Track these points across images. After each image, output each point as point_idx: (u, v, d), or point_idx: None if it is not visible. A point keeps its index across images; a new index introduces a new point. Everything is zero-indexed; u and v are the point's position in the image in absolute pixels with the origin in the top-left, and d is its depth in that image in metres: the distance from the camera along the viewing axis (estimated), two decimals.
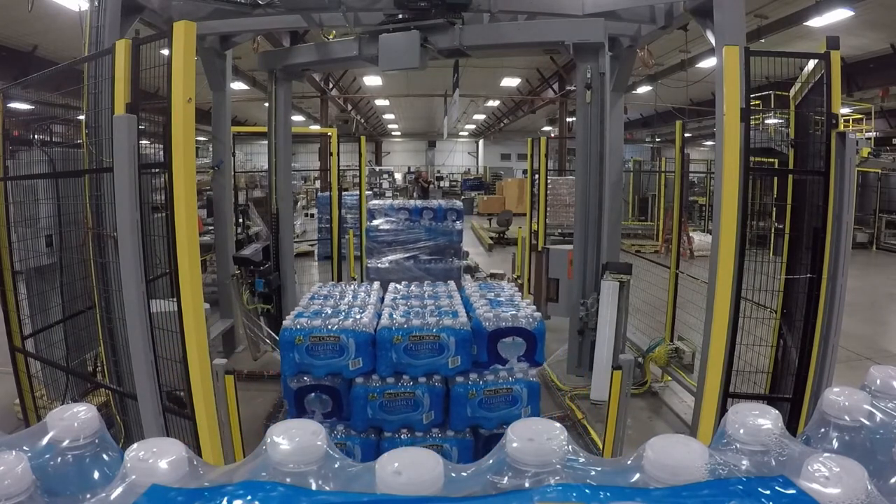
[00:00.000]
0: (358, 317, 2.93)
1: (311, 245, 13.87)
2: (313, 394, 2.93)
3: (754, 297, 3.13)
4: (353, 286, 3.76)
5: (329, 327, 2.83)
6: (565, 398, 5.34)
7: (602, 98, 5.30)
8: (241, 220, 8.82)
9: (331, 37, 6.19)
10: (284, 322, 3.05)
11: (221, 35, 6.15)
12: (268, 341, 5.84)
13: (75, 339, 4.79)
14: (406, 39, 5.06)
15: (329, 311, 3.05)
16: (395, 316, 2.98)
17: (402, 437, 2.90)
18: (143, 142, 2.89)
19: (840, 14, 11.22)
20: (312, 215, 16.79)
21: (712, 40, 4.14)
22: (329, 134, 9.35)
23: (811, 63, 3.55)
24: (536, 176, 8.86)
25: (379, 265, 5.18)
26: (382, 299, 3.45)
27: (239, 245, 6.93)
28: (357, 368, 2.84)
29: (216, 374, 2.90)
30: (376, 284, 3.87)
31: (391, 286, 3.79)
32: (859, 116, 16.63)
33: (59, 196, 4.90)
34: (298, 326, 2.89)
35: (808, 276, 2.76)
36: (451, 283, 4.02)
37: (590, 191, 5.52)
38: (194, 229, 2.33)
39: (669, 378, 5.65)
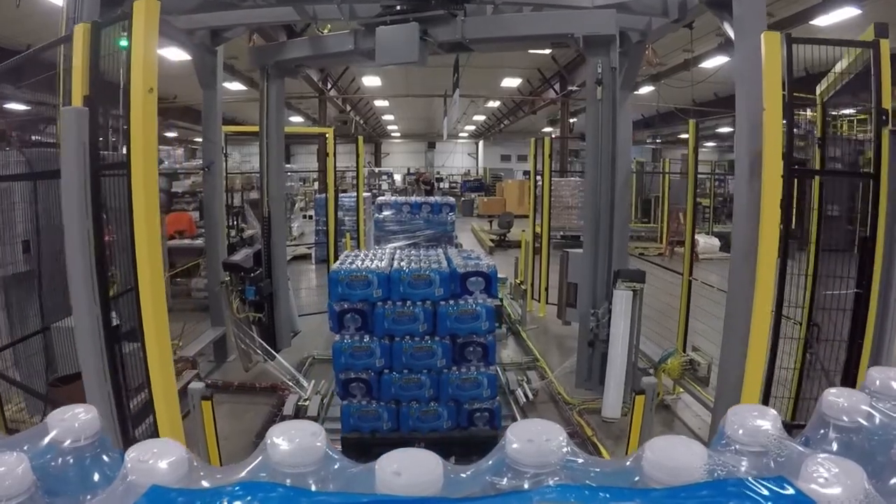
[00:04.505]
0: (379, 264, 4.42)
1: (309, 248, 13.58)
2: (349, 314, 4.25)
3: (788, 312, 2.85)
4: (372, 251, 5.11)
5: (362, 269, 4.25)
6: (573, 413, 5.06)
7: (613, 94, 5.03)
8: (234, 223, 8.53)
9: (325, 31, 5.92)
10: (333, 266, 4.46)
11: (212, 29, 5.88)
12: (259, 352, 5.55)
13: (53, 353, 4.53)
14: (404, 32, 4.81)
15: (360, 262, 4.49)
16: (402, 264, 4.46)
17: (406, 340, 4.26)
18: (114, 139, 2.61)
19: (847, 12, 10.91)
20: (310, 217, 16.45)
21: (731, 33, 3.88)
22: (326, 134, 9.06)
23: (843, 59, 3.28)
24: (539, 177, 8.59)
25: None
26: (394, 257, 4.81)
27: (232, 249, 6.65)
28: (378, 296, 4.22)
29: (192, 399, 2.62)
30: (388, 248, 5.35)
31: (398, 251, 5.22)
32: None
33: (38, 199, 4.65)
34: (342, 269, 4.28)
35: (856, 290, 2.48)
36: (439, 248, 5.45)
37: (601, 193, 5.22)
38: (156, 237, 2.04)
39: (682, 390, 5.37)
